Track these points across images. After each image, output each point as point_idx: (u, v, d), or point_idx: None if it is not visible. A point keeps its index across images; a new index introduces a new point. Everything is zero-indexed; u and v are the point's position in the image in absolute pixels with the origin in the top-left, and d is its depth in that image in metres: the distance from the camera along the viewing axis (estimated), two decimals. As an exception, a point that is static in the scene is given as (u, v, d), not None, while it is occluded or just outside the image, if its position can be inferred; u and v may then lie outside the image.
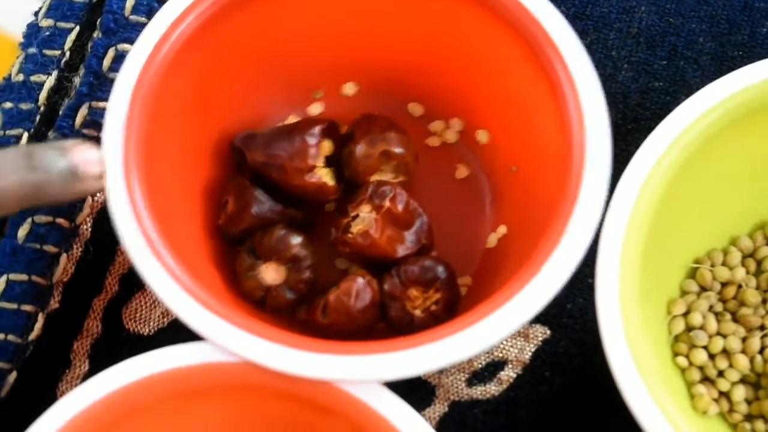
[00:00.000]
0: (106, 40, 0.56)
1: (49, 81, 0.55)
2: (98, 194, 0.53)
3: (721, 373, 0.47)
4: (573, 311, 0.51)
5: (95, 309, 0.52)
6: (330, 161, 0.50)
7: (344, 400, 0.42)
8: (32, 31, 0.57)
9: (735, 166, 0.48)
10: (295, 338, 0.42)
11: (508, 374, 0.51)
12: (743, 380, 0.47)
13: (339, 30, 0.51)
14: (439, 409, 0.51)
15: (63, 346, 0.52)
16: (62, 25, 0.57)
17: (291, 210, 0.49)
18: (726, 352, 0.47)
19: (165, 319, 0.52)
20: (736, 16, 0.56)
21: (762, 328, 0.48)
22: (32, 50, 0.56)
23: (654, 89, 0.55)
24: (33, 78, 0.56)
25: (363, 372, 0.41)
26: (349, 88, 0.53)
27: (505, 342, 0.51)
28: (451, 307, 0.48)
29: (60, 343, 0.52)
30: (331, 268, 0.51)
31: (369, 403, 0.42)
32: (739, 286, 0.49)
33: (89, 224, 0.53)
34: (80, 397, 0.42)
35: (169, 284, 0.43)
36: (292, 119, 0.53)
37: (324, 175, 0.49)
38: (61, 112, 0.55)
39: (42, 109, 0.55)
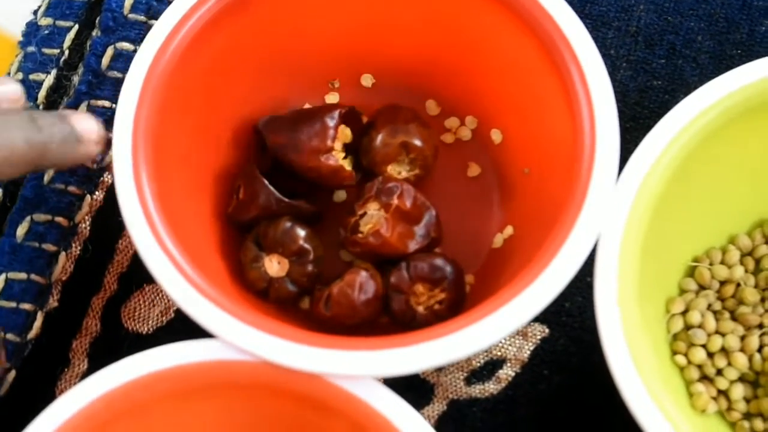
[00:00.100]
0: (105, 39, 0.56)
1: (48, 79, 0.55)
2: (97, 193, 0.53)
3: (719, 372, 0.47)
4: (572, 310, 0.51)
5: (94, 308, 0.52)
6: (349, 150, 0.50)
7: (344, 399, 0.42)
8: (31, 29, 0.57)
9: (733, 165, 0.48)
10: (293, 331, 0.42)
11: (507, 373, 0.51)
12: (742, 379, 0.47)
13: (355, 23, 0.51)
14: (437, 407, 0.51)
15: (62, 345, 0.52)
16: (61, 23, 0.57)
17: (299, 202, 0.49)
18: (724, 351, 0.48)
19: (164, 318, 0.52)
20: (735, 14, 0.56)
21: (760, 326, 0.48)
22: (31, 49, 0.56)
23: (652, 88, 0.55)
24: (32, 76, 0.56)
25: (362, 367, 0.41)
26: (366, 80, 0.54)
27: (503, 340, 0.51)
28: (455, 308, 0.48)
29: (59, 341, 0.52)
30: (335, 260, 0.51)
31: (368, 401, 0.42)
32: (738, 285, 0.49)
33: (88, 223, 0.53)
34: (79, 395, 0.42)
35: (172, 275, 0.43)
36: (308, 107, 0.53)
37: (341, 159, 0.49)
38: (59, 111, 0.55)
39: (41, 107, 0.55)
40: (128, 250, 0.53)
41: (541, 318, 0.51)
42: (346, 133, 0.50)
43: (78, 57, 0.56)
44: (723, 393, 0.47)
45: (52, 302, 0.52)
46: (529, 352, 0.51)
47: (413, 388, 0.50)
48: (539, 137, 0.49)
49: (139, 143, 0.45)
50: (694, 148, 0.45)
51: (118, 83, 0.55)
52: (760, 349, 0.47)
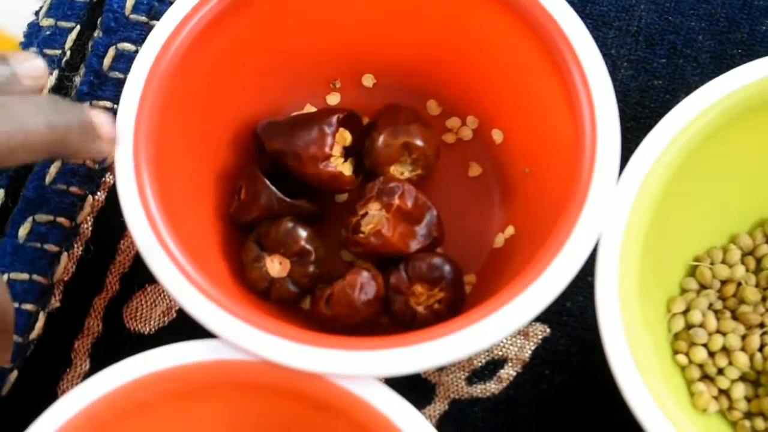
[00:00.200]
0: (106, 39, 0.56)
1: (50, 80, 0.56)
2: (98, 194, 0.54)
3: (720, 371, 0.47)
4: (573, 309, 0.52)
5: (96, 308, 0.52)
6: (349, 152, 0.50)
7: (345, 398, 0.42)
8: (33, 30, 0.57)
9: (734, 164, 0.48)
10: (294, 331, 0.42)
11: (508, 372, 0.51)
12: (743, 378, 0.48)
13: (356, 23, 0.51)
14: (439, 407, 0.51)
15: (64, 345, 0.52)
16: (63, 24, 0.57)
17: (300, 202, 0.49)
18: (725, 350, 0.48)
19: (165, 318, 0.52)
20: (736, 14, 0.56)
21: (761, 325, 0.48)
22: (33, 49, 0.56)
23: (653, 87, 0.55)
24: (33, 77, 0.56)
25: (363, 367, 0.41)
26: (367, 80, 0.54)
27: (505, 340, 0.51)
28: (454, 307, 0.48)
29: (61, 342, 0.52)
30: (336, 260, 0.51)
31: (369, 401, 0.42)
32: (739, 284, 0.49)
33: (90, 223, 0.53)
34: (81, 395, 0.42)
35: (174, 275, 0.43)
36: (309, 108, 0.53)
37: (340, 165, 0.49)
38: (61, 111, 0.55)
39: (42, 108, 0.55)
40: (130, 250, 0.53)
41: (542, 318, 0.51)
42: (345, 137, 0.50)
43: (80, 57, 0.56)
44: (724, 392, 0.47)
45: (54, 302, 0.52)
46: (530, 352, 0.51)
47: (414, 388, 0.50)
48: (540, 137, 0.49)
49: (140, 144, 0.45)
50: (695, 148, 0.45)
51: (120, 84, 0.55)
52: (761, 349, 0.47)
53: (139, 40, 0.56)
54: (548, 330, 0.51)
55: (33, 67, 0.43)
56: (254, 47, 0.50)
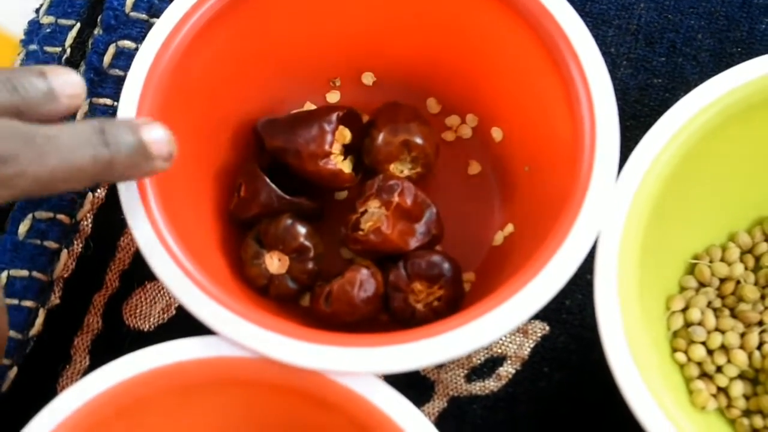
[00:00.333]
0: (106, 37, 0.56)
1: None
2: (98, 190, 0.54)
3: (719, 369, 0.48)
4: (572, 307, 0.52)
5: (96, 305, 0.52)
6: (349, 150, 0.50)
7: (344, 395, 0.42)
8: (33, 27, 0.57)
9: (733, 162, 0.48)
10: (293, 328, 0.42)
11: (507, 370, 0.51)
12: (741, 376, 0.48)
13: (356, 21, 0.51)
14: (438, 404, 0.51)
15: (63, 342, 0.52)
16: (63, 21, 0.57)
17: (300, 199, 0.49)
18: (724, 348, 0.48)
19: (165, 315, 0.52)
20: (735, 12, 0.56)
21: (760, 323, 0.48)
22: (33, 47, 0.56)
23: (653, 86, 0.55)
24: (34, 74, 0.56)
25: (362, 364, 0.41)
26: (367, 78, 0.54)
27: (504, 338, 0.51)
28: (453, 305, 0.48)
29: (60, 338, 0.52)
30: (336, 257, 0.51)
31: (368, 398, 0.42)
32: (738, 282, 0.49)
33: (90, 220, 0.53)
34: (80, 392, 0.42)
35: (174, 272, 0.43)
36: (308, 106, 0.53)
37: (339, 162, 0.49)
38: (61, 108, 0.55)
39: (43, 105, 0.55)
40: (130, 247, 0.53)
41: (541, 315, 0.51)
42: (344, 134, 0.50)
43: (80, 55, 0.56)
44: (723, 390, 0.47)
45: (54, 299, 0.52)
46: (529, 350, 0.51)
47: (414, 386, 0.50)
48: (540, 135, 0.49)
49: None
50: (694, 146, 0.45)
51: (120, 81, 0.55)
52: (759, 347, 0.47)
53: (140, 38, 0.56)
54: (547, 328, 0.51)
55: (71, 83, 0.41)
56: (254, 45, 0.50)
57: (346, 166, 0.50)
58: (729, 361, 0.47)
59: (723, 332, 0.48)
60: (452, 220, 0.51)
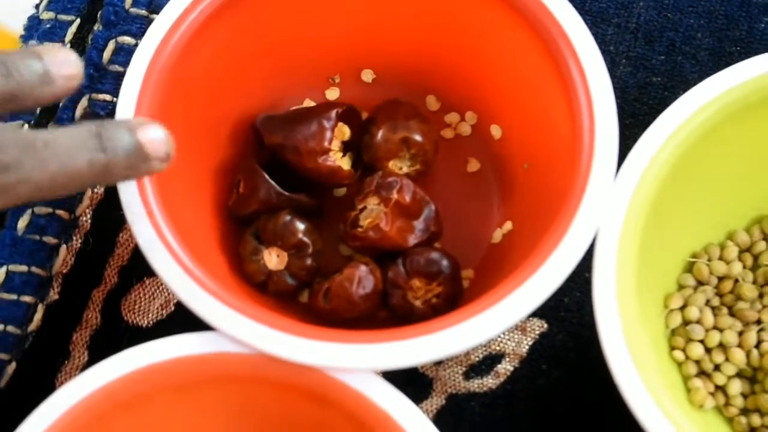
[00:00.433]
0: (106, 33, 0.56)
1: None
2: (98, 186, 0.54)
3: (717, 367, 0.48)
4: (570, 305, 0.52)
5: (94, 300, 0.52)
6: (348, 146, 0.50)
7: (342, 392, 0.42)
8: (33, 23, 0.57)
9: (732, 161, 0.48)
10: (292, 324, 0.42)
11: (506, 367, 0.51)
12: (739, 374, 0.48)
13: (356, 19, 0.51)
14: (436, 401, 0.51)
15: (62, 337, 0.52)
16: (63, 17, 0.57)
17: (299, 196, 0.49)
18: (722, 346, 0.48)
19: (163, 311, 0.52)
20: (734, 11, 0.56)
21: (758, 322, 0.48)
22: (33, 43, 0.56)
23: (652, 84, 0.55)
24: (33, 70, 0.56)
25: (361, 360, 0.41)
26: (367, 75, 0.54)
27: (502, 335, 0.51)
28: (452, 302, 0.48)
29: (59, 334, 0.52)
30: (335, 254, 0.51)
31: (367, 395, 0.42)
32: (736, 281, 0.49)
33: (89, 216, 0.53)
34: (79, 387, 0.42)
35: (172, 268, 0.43)
36: (308, 103, 0.53)
37: (338, 159, 0.49)
38: (61, 104, 0.55)
39: (42, 101, 0.55)
40: (129, 243, 0.53)
41: (539, 313, 0.51)
42: (344, 131, 0.50)
43: (79, 51, 0.56)
44: (720, 388, 0.47)
45: (53, 295, 0.52)
46: (527, 347, 0.51)
47: (412, 383, 0.50)
48: (539, 133, 0.49)
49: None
50: (693, 144, 0.45)
51: (120, 77, 0.55)
52: (757, 345, 0.47)
53: (139, 34, 0.56)
54: (545, 325, 0.51)
55: (67, 62, 0.40)
56: (254, 42, 0.50)
57: (345, 163, 0.50)
58: (727, 360, 0.47)
59: (721, 330, 0.48)
60: (451, 217, 0.51)
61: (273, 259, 0.48)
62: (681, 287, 0.49)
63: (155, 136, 0.41)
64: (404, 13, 0.51)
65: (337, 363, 0.42)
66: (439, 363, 0.51)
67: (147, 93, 0.46)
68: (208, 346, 0.43)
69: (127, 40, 0.56)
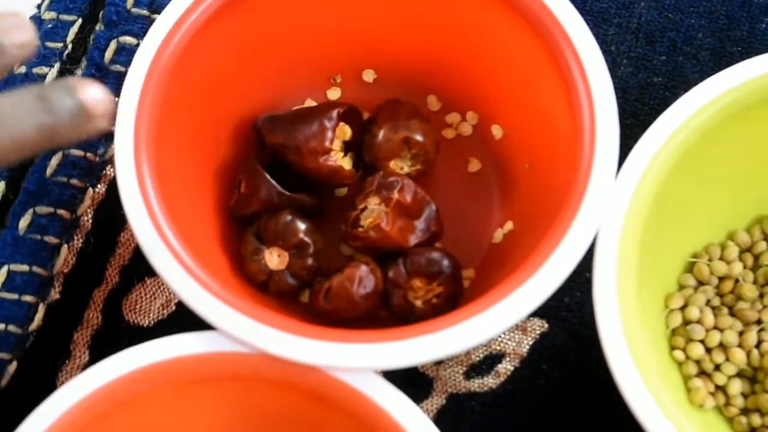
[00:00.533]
0: (108, 33, 0.56)
1: (52, 73, 0.56)
2: (99, 186, 0.54)
3: (717, 367, 0.48)
4: (570, 305, 0.52)
5: (95, 300, 0.52)
6: (349, 146, 0.50)
7: (343, 391, 0.42)
8: (35, 23, 0.57)
9: (733, 161, 0.48)
10: (293, 324, 0.42)
11: (506, 367, 0.51)
12: (740, 374, 0.48)
13: (357, 19, 0.51)
14: (436, 401, 0.51)
15: (63, 337, 0.52)
16: (64, 17, 0.57)
17: (300, 196, 0.49)
18: (723, 346, 0.48)
19: (165, 311, 0.52)
20: (735, 11, 0.56)
21: (759, 322, 0.48)
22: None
23: (653, 84, 0.55)
24: (35, 70, 0.56)
25: (361, 360, 0.41)
26: (368, 75, 0.54)
27: (503, 335, 0.51)
28: (452, 302, 0.48)
29: (60, 333, 0.52)
30: (336, 254, 0.51)
31: (367, 394, 0.42)
32: (737, 281, 0.49)
33: (90, 216, 0.53)
34: (79, 386, 0.42)
35: (173, 268, 0.43)
36: (309, 103, 0.53)
37: (340, 159, 0.49)
38: (62, 104, 0.55)
39: (44, 101, 0.55)
40: (130, 243, 0.53)
41: (540, 313, 0.51)
42: (345, 131, 0.50)
43: (81, 51, 0.56)
44: (721, 388, 0.47)
45: (54, 294, 0.52)
46: (528, 347, 0.51)
47: (412, 382, 0.50)
48: (540, 133, 0.49)
49: (141, 137, 0.45)
50: (694, 144, 0.45)
51: (121, 77, 0.55)
52: (758, 345, 0.47)
53: (141, 34, 0.56)
54: (546, 325, 0.52)
55: (18, 27, 0.40)
56: (255, 42, 0.50)
57: (346, 163, 0.50)
58: (727, 360, 0.47)
59: (721, 330, 0.48)
60: (452, 217, 0.51)
61: (274, 258, 0.48)
62: (681, 287, 0.49)
63: (96, 95, 0.40)
64: (406, 13, 0.51)
65: (337, 363, 0.42)
66: (439, 363, 0.51)
67: (148, 93, 0.46)
68: (209, 346, 0.43)
69: (128, 40, 0.56)
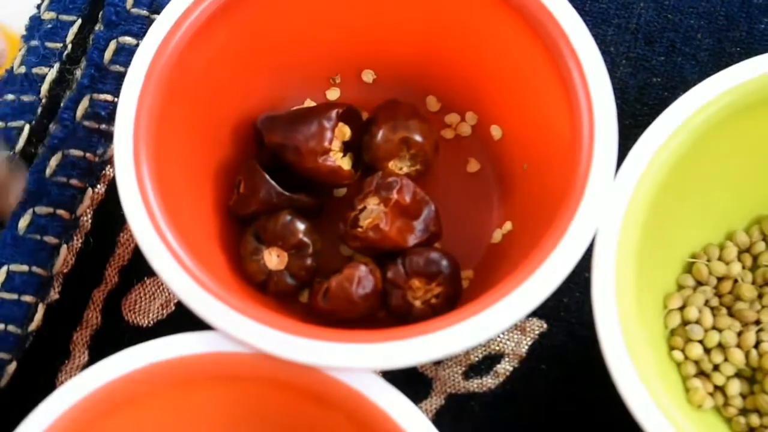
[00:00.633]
0: (107, 33, 0.56)
1: (51, 73, 0.56)
2: (98, 186, 0.54)
3: (716, 368, 0.48)
4: (569, 305, 0.52)
5: (95, 300, 0.52)
6: (348, 147, 0.50)
7: (342, 391, 0.42)
8: (34, 23, 0.57)
9: (732, 162, 0.48)
10: (291, 324, 0.42)
11: (505, 367, 0.51)
12: (738, 374, 0.48)
13: (357, 19, 0.51)
14: (435, 401, 0.51)
15: (63, 337, 0.52)
16: (64, 17, 0.57)
17: (299, 196, 0.49)
18: (721, 347, 0.48)
19: (164, 311, 0.52)
20: (735, 12, 0.56)
21: (757, 322, 0.48)
22: (34, 43, 0.56)
23: (652, 85, 0.55)
24: (35, 70, 0.56)
25: (360, 360, 0.41)
26: (367, 76, 0.54)
27: (501, 335, 0.51)
28: (451, 302, 0.48)
29: (60, 334, 0.52)
30: (335, 254, 0.51)
31: (366, 394, 0.42)
32: (735, 281, 0.49)
33: (90, 216, 0.53)
34: (79, 386, 0.42)
35: (173, 268, 0.43)
36: (308, 103, 0.53)
37: (339, 159, 0.49)
38: (62, 104, 0.55)
39: (44, 101, 0.55)
40: (129, 243, 0.53)
41: (539, 313, 0.51)
42: (344, 132, 0.50)
43: (81, 51, 0.56)
44: (719, 389, 0.47)
45: (53, 294, 0.52)
46: (527, 347, 0.51)
47: (411, 382, 0.50)
48: (539, 133, 0.49)
49: (140, 137, 0.45)
50: (693, 145, 0.45)
51: (121, 77, 0.55)
52: (756, 345, 0.47)
53: (141, 34, 0.56)
54: (545, 325, 0.52)
55: None
56: (255, 42, 0.50)
57: (345, 163, 0.50)
58: (726, 360, 0.47)
59: (720, 331, 0.48)
60: (451, 217, 0.51)
61: (273, 259, 0.48)
62: (680, 287, 0.49)
63: None
64: (405, 13, 0.51)
65: (337, 363, 0.42)
66: (438, 363, 0.51)
67: (148, 93, 0.46)
68: (208, 346, 0.43)
69: (128, 40, 0.56)
